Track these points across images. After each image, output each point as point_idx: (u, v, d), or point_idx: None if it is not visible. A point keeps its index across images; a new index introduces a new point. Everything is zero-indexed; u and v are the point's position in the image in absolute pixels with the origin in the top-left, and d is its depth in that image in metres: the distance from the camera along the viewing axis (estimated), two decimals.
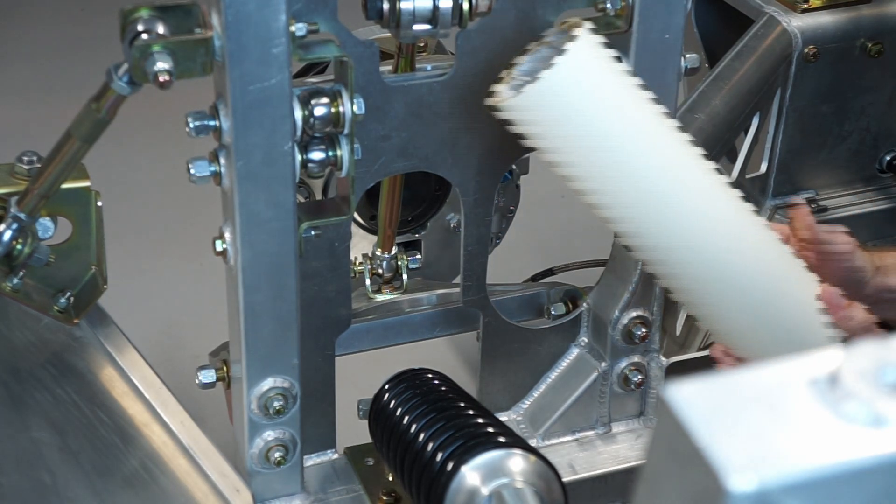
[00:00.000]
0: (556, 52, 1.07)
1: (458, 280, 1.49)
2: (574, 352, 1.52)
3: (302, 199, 1.68)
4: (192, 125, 1.16)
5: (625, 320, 1.46)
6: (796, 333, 1.19)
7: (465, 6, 1.23)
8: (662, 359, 1.52)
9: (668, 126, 1.13)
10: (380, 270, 1.58)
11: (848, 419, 0.55)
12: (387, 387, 1.35)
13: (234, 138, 1.15)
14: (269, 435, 1.30)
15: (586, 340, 1.51)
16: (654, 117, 1.12)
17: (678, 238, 1.13)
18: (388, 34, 1.27)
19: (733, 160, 1.89)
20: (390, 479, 1.40)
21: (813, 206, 1.95)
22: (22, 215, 1.32)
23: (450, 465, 1.19)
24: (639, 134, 1.11)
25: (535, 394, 1.53)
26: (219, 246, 1.23)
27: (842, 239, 1.24)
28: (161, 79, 1.10)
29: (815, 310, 1.20)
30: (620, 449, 1.51)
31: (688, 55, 1.34)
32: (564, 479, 1.22)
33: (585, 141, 1.08)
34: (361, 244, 1.86)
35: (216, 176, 1.19)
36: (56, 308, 1.41)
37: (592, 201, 1.13)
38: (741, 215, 1.17)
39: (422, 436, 1.25)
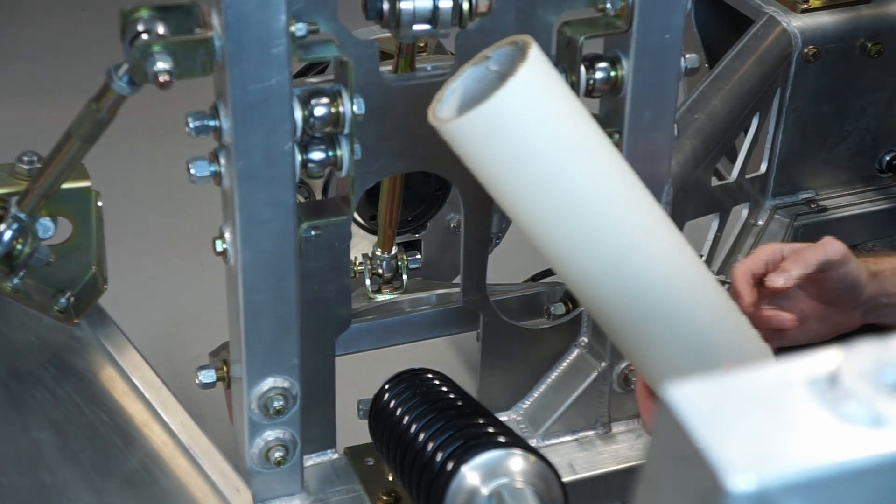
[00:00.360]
0: (499, 73, 1.07)
1: (458, 280, 1.49)
2: (574, 352, 1.52)
3: (302, 199, 1.68)
4: (192, 125, 1.16)
5: None
6: (714, 358, 1.20)
7: (465, 6, 1.23)
8: None
9: (609, 152, 1.14)
10: (380, 270, 1.58)
11: (848, 419, 0.55)
12: (387, 387, 1.35)
13: (234, 138, 1.15)
14: (270, 435, 1.30)
15: (586, 340, 1.51)
16: (597, 144, 1.13)
17: (608, 267, 1.14)
18: (388, 34, 1.27)
19: (733, 160, 1.89)
20: (390, 479, 1.40)
21: (813, 206, 1.95)
22: (22, 215, 1.32)
23: (450, 465, 1.19)
24: (580, 160, 1.11)
25: (535, 394, 1.53)
26: (219, 246, 1.23)
27: (833, 248, 1.24)
28: (161, 79, 1.10)
29: (736, 334, 1.20)
30: (620, 449, 1.51)
31: (688, 55, 1.34)
32: (564, 479, 1.22)
33: (526, 165, 1.08)
34: (361, 244, 1.86)
35: (216, 176, 1.19)
36: (56, 308, 1.41)
37: (526, 226, 1.14)
38: (678, 253, 1.18)
39: (422, 436, 1.25)
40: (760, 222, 1.92)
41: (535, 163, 1.08)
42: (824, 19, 1.86)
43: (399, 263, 1.58)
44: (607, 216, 1.13)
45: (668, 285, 1.16)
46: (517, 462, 1.18)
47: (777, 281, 1.22)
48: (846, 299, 1.29)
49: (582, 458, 1.49)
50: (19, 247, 1.34)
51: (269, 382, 1.27)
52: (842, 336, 1.33)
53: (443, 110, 1.11)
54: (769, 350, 1.22)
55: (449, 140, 1.10)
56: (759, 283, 1.25)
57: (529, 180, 1.09)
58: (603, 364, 1.48)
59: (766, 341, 1.25)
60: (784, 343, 1.29)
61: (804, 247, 1.26)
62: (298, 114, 1.17)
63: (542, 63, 1.07)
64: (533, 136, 1.07)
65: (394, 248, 1.61)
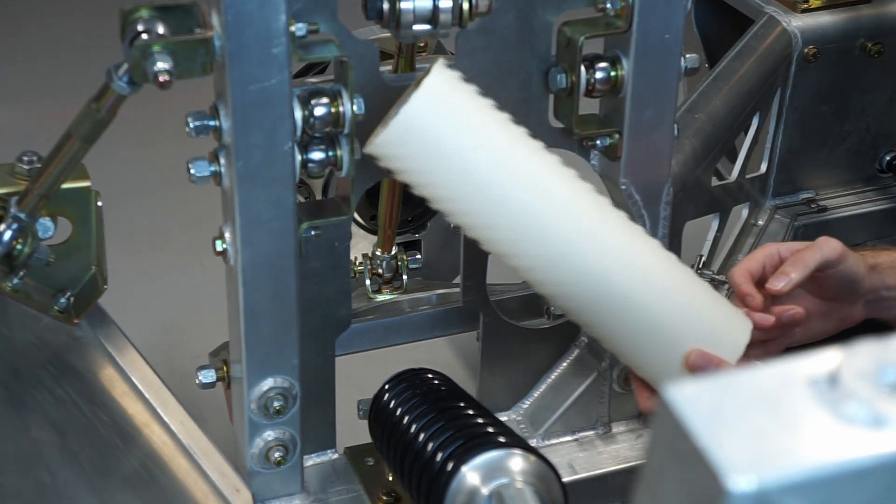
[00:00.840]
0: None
1: (458, 280, 1.49)
2: (574, 352, 1.52)
3: (302, 199, 1.68)
4: (192, 125, 1.16)
5: None
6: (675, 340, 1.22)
7: (465, 6, 1.23)
8: None
9: (529, 146, 1.18)
10: (380, 270, 1.58)
11: (848, 419, 0.55)
12: (387, 387, 1.35)
13: (234, 138, 1.15)
14: (269, 435, 1.30)
15: (586, 340, 1.51)
16: (515, 139, 1.17)
17: (555, 260, 1.18)
18: (388, 34, 1.27)
19: (733, 160, 1.88)
20: (390, 479, 1.40)
21: (813, 206, 1.95)
22: (22, 215, 1.32)
23: (450, 465, 1.19)
24: (501, 157, 1.16)
25: (535, 394, 1.52)
26: (219, 246, 1.23)
27: (830, 247, 1.25)
28: (161, 79, 1.09)
29: (709, 315, 1.22)
30: (620, 449, 1.51)
31: (688, 55, 1.34)
32: (564, 479, 1.22)
33: (449, 172, 1.13)
34: (361, 244, 1.86)
35: (216, 176, 1.19)
36: (56, 308, 1.41)
37: (468, 228, 1.19)
38: (615, 227, 1.21)
39: (422, 436, 1.25)
40: (760, 222, 1.92)
41: (456, 168, 1.13)
42: (824, 19, 1.86)
43: (399, 263, 1.58)
44: (540, 210, 1.17)
45: (619, 272, 1.19)
46: (517, 462, 1.18)
47: (778, 285, 1.23)
48: (847, 294, 1.29)
49: (582, 458, 1.49)
50: (19, 247, 1.33)
51: (268, 382, 1.27)
52: (845, 333, 1.33)
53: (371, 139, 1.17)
54: (748, 324, 1.23)
55: (381, 162, 1.16)
56: (758, 284, 1.26)
57: (455, 187, 1.14)
58: (603, 364, 1.48)
59: (777, 340, 1.26)
60: (791, 342, 1.29)
61: (801, 247, 1.26)
62: (298, 114, 1.17)
63: (446, 74, 1.13)
64: (445, 143, 1.13)
65: (394, 248, 1.61)
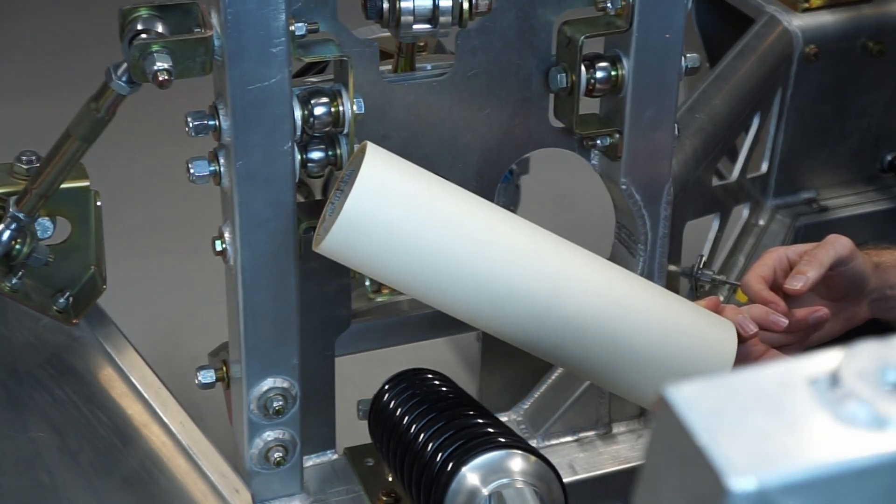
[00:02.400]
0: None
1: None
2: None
3: (302, 199, 1.68)
4: (191, 125, 1.16)
5: None
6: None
7: (465, 6, 1.23)
8: None
9: (478, 206, 1.17)
10: None
11: (848, 419, 0.55)
12: (387, 387, 1.35)
13: (234, 138, 1.15)
14: (269, 435, 1.30)
15: None
16: (461, 203, 1.15)
17: (532, 309, 1.17)
18: (388, 34, 1.27)
19: (734, 160, 1.88)
20: (390, 479, 1.40)
21: (814, 205, 1.95)
22: (21, 215, 1.32)
23: (450, 466, 1.19)
24: (455, 226, 1.14)
25: (535, 394, 1.52)
26: (219, 246, 1.23)
27: (841, 244, 1.25)
28: (160, 78, 1.09)
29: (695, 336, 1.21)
30: (620, 449, 1.50)
31: (688, 55, 1.34)
32: (564, 480, 1.22)
33: (405, 253, 1.12)
34: None
35: (216, 176, 1.19)
36: (55, 308, 1.41)
37: (434, 303, 1.19)
38: (584, 266, 1.20)
39: (422, 436, 1.25)
40: (761, 222, 1.92)
41: (409, 250, 1.12)
42: (825, 19, 1.86)
43: None
44: (501, 271, 1.15)
45: (599, 312, 1.18)
46: (517, 462, 1.18)
47: (796, 285, 1.22)
48: (854, 294, 1.29)
49: (582, 458, 1.49)
50: (18, 247, 1.33)
51: (268, 383, 1.27)
52: (849, 333, 1.33)
53: (317, 238, 1.14)
54: (733, 333, 1.23)
55: (330, 257, 1.15)
56: (771, 289, 1.26)
57: (414, 267, 1.13)
58: None
59: (797, 344, 1.26)
60: (805, 345, 1.29)
61: (808, 248, 1.26)
62: (298, 113, 1.17)
63: (375, 165, 1.10)
64: (392, 229, 1.11)
65: None
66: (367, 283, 1.56)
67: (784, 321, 1.22)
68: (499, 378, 1.51)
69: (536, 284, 1.15)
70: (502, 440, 1.21)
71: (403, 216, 1.11)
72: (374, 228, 1.10)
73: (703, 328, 1.22)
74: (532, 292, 1.15)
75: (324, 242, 1.10)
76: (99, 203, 1.39)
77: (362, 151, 1.11)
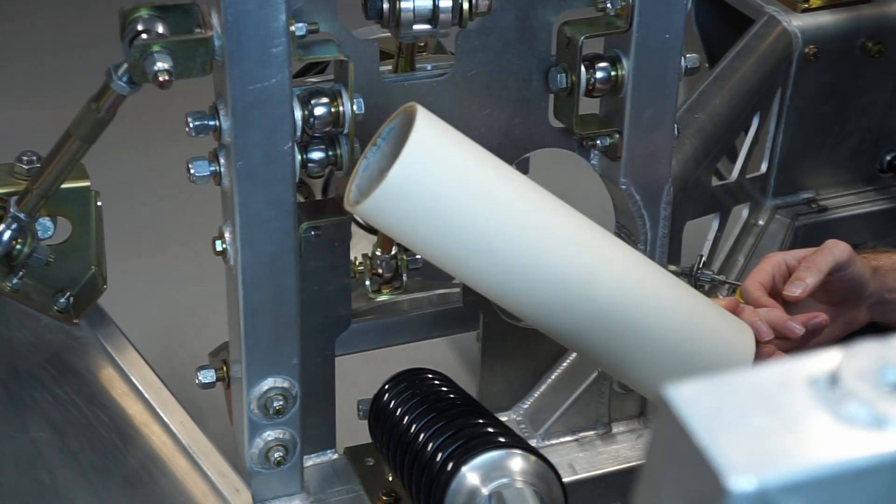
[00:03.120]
0: (396, 144, 1.08)
1: (458, 280, 1.49)
2: (574, 352, 1.52)
3: (302, 199, 1.68)
4: (192, 125, 1.16)
5: None
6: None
7: (465, 6, 1.23)
8: None
9: (525, 188, 1.15)
10: (380, 270, 1.58)
11: (848, 419, 0.55)
12: (387, 387, 1.35)
13: (234, 138, 1.15)
14: (269, 435, 1.30)
15: None
16: (506, 178, 1.13)
17: (561, 299, 1.15)
18: (388, 34, 1.27)
19: (733, 160, 1.88)
20: (390, 479, 1.40)
21: (814, 206, 1.95)
22: (22, 215, 1.32)
23: (450, 465, 1.19)
24: (498, 202, 1.12)
25: (536, 394, 1.52)
26: (219, 246, 1.23)
27: (840, 249, 1.25)
28: (161, 78, 1.09)
29: (714, 333, 1.21)
30: (620, 449, 1.50)
31: (688, 55, 1.34)
32: (564, 480, 1.22)
33: (443, 228, 1.10)
34: (361, 244, 1.85)
35: (216, 176, 1.19)
36: (56, 308, 1.41)
37: (464, 278, 1.17)
38: (622, 256, 1.19)
39: (422, 436, 1.25)
40: (761, 222, 1.92)
41: (452, 223, 1.10)
42: (825, 19, 1.86)
43: (399, 263, 1.57)
44: (540, 255, 1.14)
45: (632, 304, 1.17)
46: (517, 462, 1.18)
47: (795, 291, 1.22)
48: (853, 298, 1.29)
49: (582, 458, 1.49)
50: (19, 247, 1.33)
51: (268, 382, 1.27)
52: (848, 336, 1.33)
53: (356, 192, 1.12)
54: (751, 338, 1.22)
55: (368, 220, 1.13)
56: (770, 295, 1.26)
57: (453, 240, 1.11)
58: None
59: (798, 349, 1.26)
60: (805, 349, 1.29)
61: (809, 253, 1.26)
62: (298, 113, 1.17)
63: (427, 130, 1.07)
64: (438, 200, 1.09)
65: (394, 248, 1.61)
66: (368, 282, 1.56)
67: (800, 329, 1.23)
68: (499, 378, 1.51)
69: (571, 271, 1.14)
70: (502, 440, 1.21)
71: (449, 186, 1.08)
72: (418, 196, 1.07)
73: (725, 331, 1.22)
74: (566, 279, 1.14)
75: (364, 204, 1.06)
76: (99, 203, 1.40)
77: (409, 113, 1.08)
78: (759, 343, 1.22)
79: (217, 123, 1.16)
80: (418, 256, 1.61)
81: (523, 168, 1.91)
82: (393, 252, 1.60)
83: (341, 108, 1.19)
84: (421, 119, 1.07)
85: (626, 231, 1.44)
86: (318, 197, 1.85)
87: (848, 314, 1.31)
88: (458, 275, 1.17)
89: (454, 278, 1.86)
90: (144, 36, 1.12)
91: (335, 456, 1.44)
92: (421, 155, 1.06)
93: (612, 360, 1.21)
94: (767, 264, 1.27)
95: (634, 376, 1.24)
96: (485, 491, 1.17)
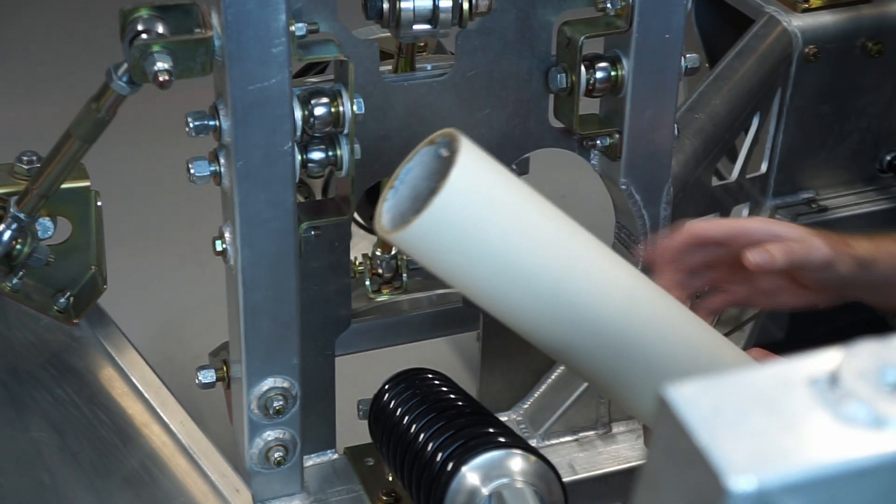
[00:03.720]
0: (436, 171, 1.05)
1: (490, 313, 1.49)
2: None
3: (302, 199, 1.68)
4: (192, 125, 1.16)
5: None
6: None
7: (465, 6, 1.23)
8: None
9: (562, 224, 1.11)
10: (380, 270, 1.58)
11: (848, 419, 0.55)
12: (387, 387, 1.35)
13: (234, 138, 1.15)
14: (269, 435, 1.30)
15: None
16: (547, 213, 1.10)
17: (578, 328, 1.12)
18: (388, 34, 1.27)
19: (733, 160, 1.88)
20: (390, 479, 1.40)
21: (813, 206, 1.95)
22: (21, 215, 1.32)
23: (450, 465, 1.19)
24: (537, 233, 1.09)
25: (536, 394, 1.52)
26: (219, 246, 1.23)
27: (819, 255, 1.22)
28: (161, 78, 1.09)
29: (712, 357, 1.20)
30: (620, 449, 1.50)
31: (688, 55, 1.34)
32: (564, 479, 1.22)
33: (486, 257, 1.06)
34: (361, 244, 1.85)
35: (216, 176, 1.19)
36: (56, 308, 1.41)
37: (495, 310, 1.13)
38: (651, 298, 1.17)
39: (422, 436, 1.25)
40: None
41: (495, 253, 1.06)
42: (825, 19, 1.86)
43: (399, 263, 1.58)
44: (569, 284, 1.11)
45: (644, 333, 1.15)
46: (517, 462, 1.18)
47: (756, 258, 1.18)
48: (824, 291, 1.27)
49: (582, 458, 1.49)
50: (18, 247, 1.33)
51: (268, 382, 1.27)
52: (845, 334, 1.31)
53: (387, 218, 1.07)
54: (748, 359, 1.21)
55: (403, 249, 1.10)
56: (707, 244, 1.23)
57: (493, 271, 1.08)
58: None
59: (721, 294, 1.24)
60: (752, 303, 1.26)
61: (788, 233, 1.23)
62: (298, 113, 1.17)
63: (471, 161, 1.04)
64: (483, 228, 1.05)
65: (394, 248, 1.61)
66: (368, 282, 1.57)
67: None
68: (499, 378, 1.51)
69: (606, 308, 1.11)
70: (502, 440, 1.21)
71: (495, 214, 1.05)
72: (464, 223, 1.03)
73: (729, 355, 1.20)
74: (600, 316, 1.11)
75: (403, 232, 1.02)
76: (99, 203, 1.40)
77: (447, 138, 1.05)
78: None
79: (217, 123, 1.16)
80: None
81: (523, 168, 1.91)
82: (393, 252, 1.60)
83: (341, 108, 1.19)
84: (465, 143, 1.03)
85: (626, 231, 1.44)
86: (318, 197, 1.85)
87: (816, 296, 1.27)
88: (493, 308, 1.13)
89: None
90: (144, 36, 1.12)
91: (335, 456, 1.44)
92: (469, 181, 1.02)
93: (625, 394, 1.19)
94: (734, 226, 1.25)
95: (642, 407, 1.21)
96: (485, 491, 1.17)
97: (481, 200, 1.04)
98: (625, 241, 1.45)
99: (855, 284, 1.26)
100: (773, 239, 1.21)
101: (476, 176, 1.04)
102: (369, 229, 1.88)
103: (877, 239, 1.30)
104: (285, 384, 1.28)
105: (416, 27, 1.22)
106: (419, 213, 1.01)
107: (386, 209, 1.06)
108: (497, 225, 1.06)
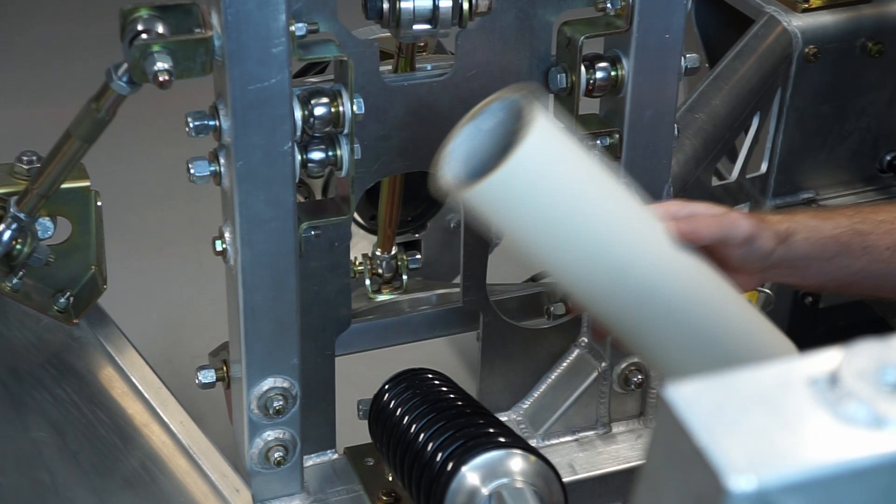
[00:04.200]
0: (504, 132, 1.05)
1: (458, 280, 1.49)
2: (574, 352, 1.52)
3: (302, 199, 1.68)
4: (192, 125, 1.16)
5: None
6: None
7: (465, 6, 1.23)
8: None
9: (620, 191, 1.12)
10: (380, 270, 1.58)
11: (848, 419, 0.55)
12: (387, 387, 1.35)
13: (234, 138, 1.15)
14: (269, 435, 1.30)
15: (586, 340, 1.51)
16: (609, 187, 1.11)
17: (636, 295, 1.12)
18: (388, 34, 1.27)
19: (733, 160, 1.88)
20: (390, 479, 1.40)
21: (813, 205, 1.95)
22: (22, 215, 1.32)
23: (450, 465, 1.19)
24: (595, 206, 1.10)
25: (535, 394, 1.52)
26: (219, 246, 1.23)
27: (739, 229, 1.19)
28: (161, 78, 1.09)
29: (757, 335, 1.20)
30: (620, 449, 1.51)
31: (688, 55, 1.34)
32: (564, 479, 1.22)
33: (543, 219, 1.07)
34: (361, 244, 1.86)
35: (216, 176, 1.19)
36: (56, 308, 1.41)
37: (555, 273, 1.13)
38: (690, 268, 1.17)
39: (422, 436, 1.25)
40: None
41: (552, 215, 1.07)
42: (825, 19, 1.86)
43: (399, 263, 1.58)
44: (627, 248, 1.12)
45: (691, 301, 1.15)
46: (517, 462, 1.18)
47: (684, 228, 1.17)
48: (747, 272, 1.25)
49: (582, 458, 1.49)
50: (18, 246, 1.33)
51: (268, 382, 1.27)
52: (844, 333, 1.31)
53: (449, 172, 1.08)
54: (792, 345, 1.21)
55: (468, 207, 1.10)
56: None
57: (549, 231, 1.08)
58: (603, 364, 1.48)
59: None
60: None
61: (708, 210, 1.21)
62: (298, 113, 1.17)
63: (547, 124, 1.05)
64: (555, 187, 1.06)
65: (394, 248, 1.61)
66: (368, 282, 1.57)
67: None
68: (499, 378, 1.51)
69: (657, 270, 1.12)
70: (502, 440, 1.21)
71: (566, 173, 1.07)
72: (537, 181, 1.04)
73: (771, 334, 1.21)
74: (653, 289, 1.12)
75: (474, 189, 1.03)
76: (99, 203, 1.40)
77: (513, 100, 1.06)
78: None
79: (217, 123, 1.16)
80: (418, 256, 1.61)
81: None
82: (393, 252, 1.60)
83: (341, 108, 1.19)
84: (537, 103, 1.04)
85: None
86: (318, 197, 1.85)
87: (740, 279, 1.26)
88: (551, 268, 1.13)
89: (454, 278, 1.86)
90: (144, 36, 1.12)
91: (335, 456, 1.44)
92: (543, 139, 1.04)
93: (669, 363, 1.18)
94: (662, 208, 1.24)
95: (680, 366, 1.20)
96: (485, 491, 1.17)
97: (556, 154, 1.06)
98: None
99: (776, 262, 1.24)
100: (695, 215, 1.19)
101: (550, 136, 1.05)
102: (369, 229, 1.88)
103: (791, 214, 1.28)
104: (285, 384, 1.28)
105: (416, 27, 1.22)
106: (493, 169, 1.02)
107: (447, 167, 1.07)
108: (570, 183, 1.07)
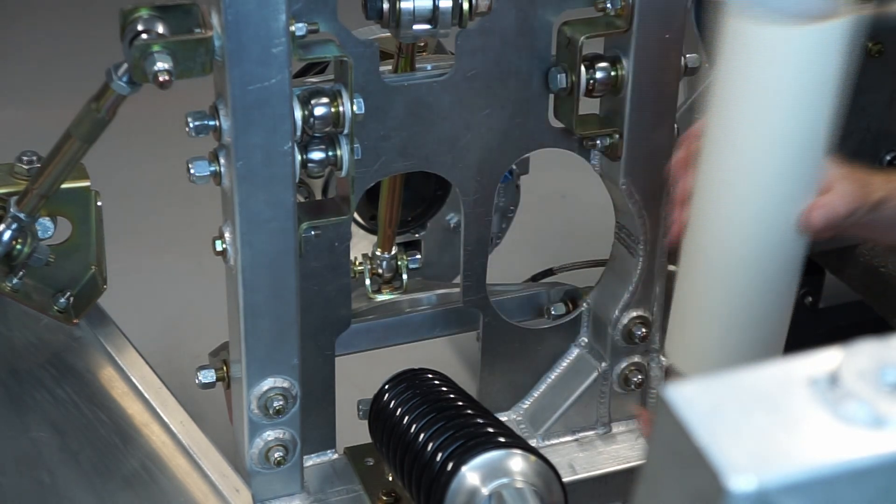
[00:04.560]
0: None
1: (458, 280, 1.49)
2: (574, 352, 1.52)
3: (302, 199, 1.68)
4: (192, 125, 1.16)
5: (625, 320, 1.45)
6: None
7: (465, 6, 1.23)
8: (662, 359, 1.52)
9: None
10: (380, 270, 1.58)
11: (848, 419, 0.55)
12: (387, 387, 1.35)
13: (234, 138, 1.15)
14: (269, 435, 1.30)
15: (586, 340, 1.51)
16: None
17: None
18: (388, 34, 1.27)
19: None
20: (390, 479, 1.40)
21: None
22: (22, 215, 1.32)
23: (450, 465, 1.19)
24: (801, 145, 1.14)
25: (535, 394, 1.52)
26: (219, 246, 1.23)
27: (843, 207, 1.19)
28: (161, 79, 1.09)
29: None
30: (620, 449, 1.51)
31: (688, 55, 1.34)
32: (564, 479, 1.22)
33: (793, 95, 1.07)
34: (361, 244, 1.85)
35: (216, 176, 1.19)
36: (56, 308, 1.41)
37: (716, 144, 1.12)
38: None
39: (422, 436, 1.25)
40: None
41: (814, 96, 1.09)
42: None
43: (399, 263, 1.57)
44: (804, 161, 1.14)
45: (767, 293, 1.15)
46: (517, 462, 1.18)
47: (817, 216, 1.17)
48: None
49: (582, 458, 1.49)
50: (19, 247, 1.33)
51: (268, 382, 1.27)
52: (844, 333, 1.30)
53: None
54: None
55: (774, 47, 1.06)
56: None
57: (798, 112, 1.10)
58: (603, 364, 1.48)
59: None
60: None
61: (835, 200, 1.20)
62: (298, 114, 1.17)
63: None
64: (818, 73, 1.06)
65: (394, 248, 1.61)
66: (368, 282, 1.57)
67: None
68: (499, 378, 1.51)
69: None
70: (502, 440, 1.21)
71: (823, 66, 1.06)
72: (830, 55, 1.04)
73: None
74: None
75: (825, 23, 1.02)
76: (99, 203, 1.40)
77: None
78: None
79: (217, 123, 1.16)
80: (418, 256, 1.61)
81: (523, 168, 1.91)
82: (393, 252, 1.60)
83: (341, 108, 1.19)
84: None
85: (625, 231, 1.44)
86: (318, 197, 1.85)
87: None
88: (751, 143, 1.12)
89: (454, 278, 1.86)
90: (144, 36, 1.12)
91: (335, 456, 1.44)
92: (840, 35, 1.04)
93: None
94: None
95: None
96: (485, 491, 1.17)
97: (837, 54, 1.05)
98: (625, 242, 1.45)
99: (860, 224, 1.23)
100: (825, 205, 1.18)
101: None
102: (369, 229, 1.88)
103: (892, 177, 1.26)
104: (285, 384, 1.28)
105: (416, 27, 1.22)
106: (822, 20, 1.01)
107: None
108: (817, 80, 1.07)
